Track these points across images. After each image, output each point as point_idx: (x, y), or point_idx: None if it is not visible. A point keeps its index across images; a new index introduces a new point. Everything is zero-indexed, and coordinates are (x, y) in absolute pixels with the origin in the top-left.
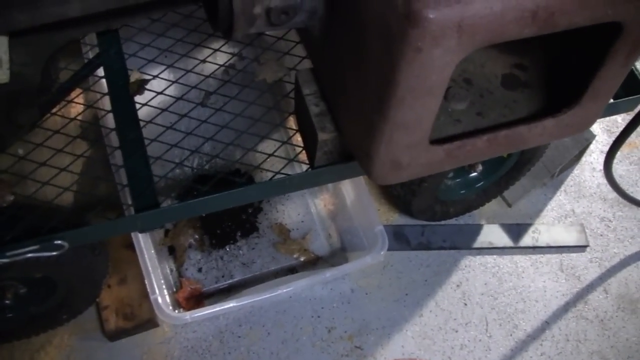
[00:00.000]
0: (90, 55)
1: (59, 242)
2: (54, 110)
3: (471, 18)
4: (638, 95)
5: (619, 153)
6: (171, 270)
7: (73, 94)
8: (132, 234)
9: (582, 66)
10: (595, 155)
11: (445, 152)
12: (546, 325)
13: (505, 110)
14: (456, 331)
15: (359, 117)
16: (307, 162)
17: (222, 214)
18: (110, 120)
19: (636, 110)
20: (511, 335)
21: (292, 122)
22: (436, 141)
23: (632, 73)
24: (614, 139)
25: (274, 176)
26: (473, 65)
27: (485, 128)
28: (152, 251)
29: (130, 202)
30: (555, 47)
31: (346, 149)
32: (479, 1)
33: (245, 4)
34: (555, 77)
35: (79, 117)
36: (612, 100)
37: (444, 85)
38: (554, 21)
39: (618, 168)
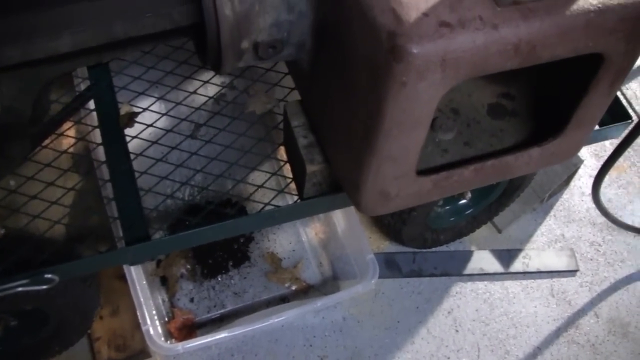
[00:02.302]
0: (82, 87)
1: (50, 275)
2: (45, 142)
3: (454, 52)
4: (624, 122)
5: (607, 177)
6: (163, 301)
7: (64, 127)
8: (125, 266)
9: (567, 95)
10: (584, 179)
11: (433, 182)
12: (538, 350)
13: (492, 139)
14: (448, 358)
15: (346, 149)
16: (296, 193)
17: (213, 243)
18: (101, 153)
19: (622, 136)
20: None
21: (282, 153)
22: (423, 172)
23: (617, 100)
24: (602, 163)
25: (263, 208)
26: (460, 94)
27: (472, 158)
28: (144, 282)
29: (121, 234)
30: (540, 76)
31: (335, 180)
32: (462, 35)
33: (233, 39)
34: (541, 106)
35: (70, 150)
36: (598, 127)
37: (429, 117)
38: (537, 54)
39: (607, 192)
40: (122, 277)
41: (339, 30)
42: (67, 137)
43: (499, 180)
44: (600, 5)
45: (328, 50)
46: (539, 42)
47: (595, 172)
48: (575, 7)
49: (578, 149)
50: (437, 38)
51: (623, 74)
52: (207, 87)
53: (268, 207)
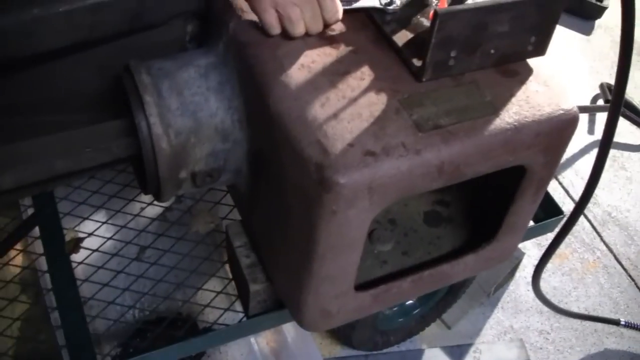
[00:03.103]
0: (29, 213)
1: None
2: None
3: (380, 179)
4: (556, 217)
5: (550, 265)
6: None
7: (10, 255)
8: None
9: (496, 203)
10: (528, 269)
11: (372, 297)
12: None
13: (429, 247)
14: None
15: (286, 271)
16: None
17: None
18: (48, 280)
19: (556, 231)
20: None
21: (227, 270)
22: (362, 287)
23: (549, 197)
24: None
25: (210, 327)
26: (397, 205)
27: (409, 268)
28: None
29: None
30: (472, 185)
31: (279, 297)
32: (387, 163)
33: (171, 171)
34: (475, 212)
35: (16, 279)
36: (533, 224)
37: (362, 239)
38: (460, 172)
39: (551, 280)
40: None
41: (271, 159)
42: (14, 266)
43: (437, 288)
44: (516, 124)
45: (263, 177)
46: (462, 161)
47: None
48: (492, 127)
49: (512, 251)
50: (362, 167)
51: (546, 182)
52: (151, 209)
53: (217, 326)
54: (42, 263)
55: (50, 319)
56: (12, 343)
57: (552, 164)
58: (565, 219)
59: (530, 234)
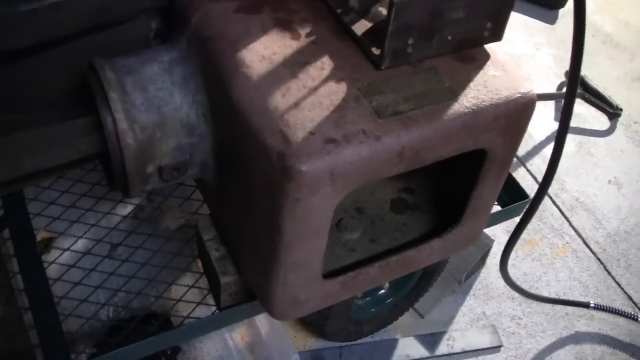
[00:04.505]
0: None
1: None
2: None
3: (342, 166)
4: (522, 202)
5: (521, 251)
6: None
7: None
8: None
9: (460, 187)
10: (499, 256)
11: (340, 284)
12: None
13: (396, 234)
14: None
15: (255, 261)
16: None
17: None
18: (20, 281)
19: (521, 217)
20: None
21: (199, 265)
22: (331, 274)
23: (514, 181)
24: None
25: (183, 322)
26: (364, 194)
27: (377, 255)
28: None
29: None
30: (436, 171)
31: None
32: (348, 150)
33: (138, 166)
34: (440, 198)
35: None
36: (500, 208)
37: (327, 226)
38: (422, 157)
39: (522, 266)
40: None
41: (236, 151)
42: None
43: (405, 273)
44: (474, 108)
45: (229, 169)
46: (422, 147)
47: None
48: (452, 111)
49: (477, 236)
50: (324, 155)
51: (507, 164)
52: (122, 207)
53: (189, 320)
54: (14, 264)
55: (24, 320)
56: None
57: (512, 147)
58: (529, 203)
59: (497, 219)
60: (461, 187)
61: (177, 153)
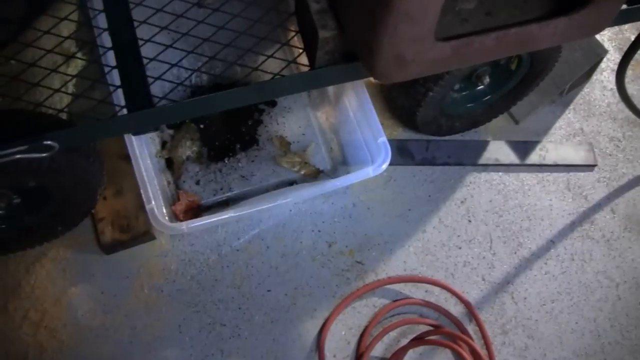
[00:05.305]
0: None
1: (49, 142)
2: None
3: None
4: None
5: (630, 72)
6: (168, 183)
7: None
8: (128, 143)
9: None
10: (606, 73)
11: (452, 49)
12: (551, 244)
13: (515, 10)
14: (459, 248)
15: (361, 10)
16: (307, 65)
17: (221, 126)
18: (103, 20)
19: None
20: (515, 253)
21: (293, 25)
22: (443, 38)
23: None
24: None
25: (273, 77)
26: None
27: (494, 27)
28: (148, 161)
29: (123, 103)
30: None
31: (348, 50)
32: None
33: None
34: None
35: (72, 35)
36: (628, 6)
37: None
38: None
39: (630, 87)
40: (127, 158)
41: None
42: (68, 3)
43: (522, 51)
44: None
45: None
46: None
47: None
48: None
49: (606, 23)
50: None
51: None
52: None
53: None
54: (98, 2)
55: (107, 78)
56: (68, 100)
57: None
58: None
59: (625, 18)
60: None
61: None
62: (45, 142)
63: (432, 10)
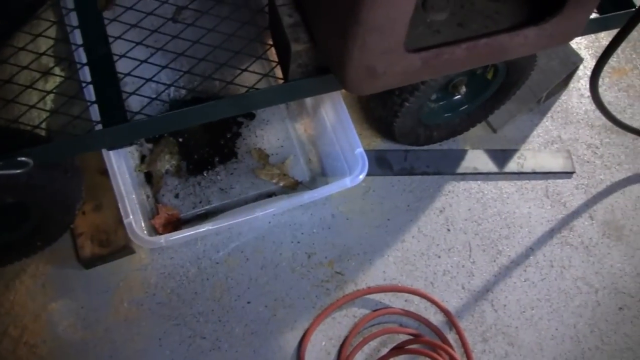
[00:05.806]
0: None
1: (23, 159)
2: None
3: None
4: (626, 11)
5: (607, 79)
6: (147, 197)
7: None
8: (106, 157)
9: None
10: (583, 81)
11: (422, 60)
12: (530, 251)
13: (487, 21)
14: (439, 257)
15: (332, 24)
16: (282, 78)
17: (200, 139)
18: (78, 37)
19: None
20: (495, 261)
21: (267, 38)
22: (413, 50)
23: None
24: None
25: (247, 91)
26: None
27: (464, 38)
28: (127, 175)
29: (99, 118)
30: None
31: (321, 62)
32: None
33: None
34: None
35: (49, 52)
36: (599, 15)
37: None
38: None
39: (607, 95)
40: (106, 172)
41: None
42: (44, 20)
43: (493, 62)
44: None
45: None
46: None
47: None
48: None
49: (577, 32)
50: None
51: None
52: None
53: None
54: (73, 19)
55: (84, 94)
56: (45, 116)
57: None
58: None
59: (596, 26)
60: None
61: None
62: (19, 159)
63: (400, 23)
